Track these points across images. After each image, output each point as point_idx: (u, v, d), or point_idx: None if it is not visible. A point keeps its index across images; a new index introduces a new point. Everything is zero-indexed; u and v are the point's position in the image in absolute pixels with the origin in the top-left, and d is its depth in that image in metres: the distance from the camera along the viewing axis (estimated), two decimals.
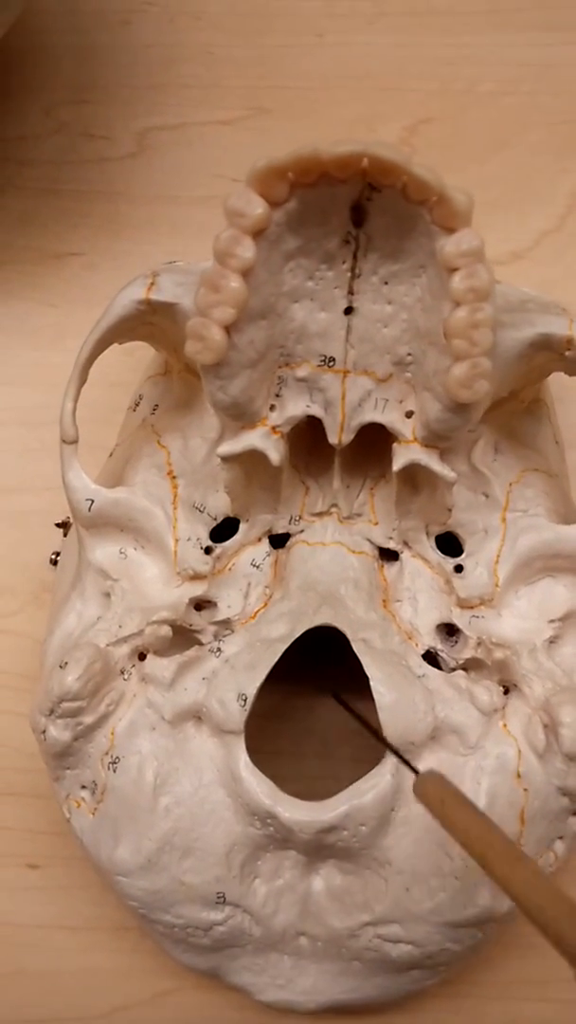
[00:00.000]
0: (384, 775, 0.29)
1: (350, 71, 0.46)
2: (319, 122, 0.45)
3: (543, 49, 0.46)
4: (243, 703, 0.29)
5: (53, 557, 0.40)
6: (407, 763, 0.29)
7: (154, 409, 0.37)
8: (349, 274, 0.28)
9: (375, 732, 0.29)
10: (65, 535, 0.38)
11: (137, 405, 0.38)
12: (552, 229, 0.44)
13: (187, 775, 0.30)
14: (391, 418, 0.30)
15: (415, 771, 0.28)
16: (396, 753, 0.29)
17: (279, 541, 0.33)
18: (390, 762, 0.29)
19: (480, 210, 0.43)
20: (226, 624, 0.32)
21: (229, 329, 0.26)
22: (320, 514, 0.33)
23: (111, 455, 0.38)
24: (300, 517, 0.33)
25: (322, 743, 0.38)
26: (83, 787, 0.32)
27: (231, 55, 0.46)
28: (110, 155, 0.46)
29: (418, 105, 0.45)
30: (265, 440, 0.30)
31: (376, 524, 0.33)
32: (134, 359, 0.40)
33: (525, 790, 0.30)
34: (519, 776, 0.30)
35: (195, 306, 0.26)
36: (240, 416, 0.29)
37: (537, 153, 0.45)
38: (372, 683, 0.29)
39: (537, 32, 0.46)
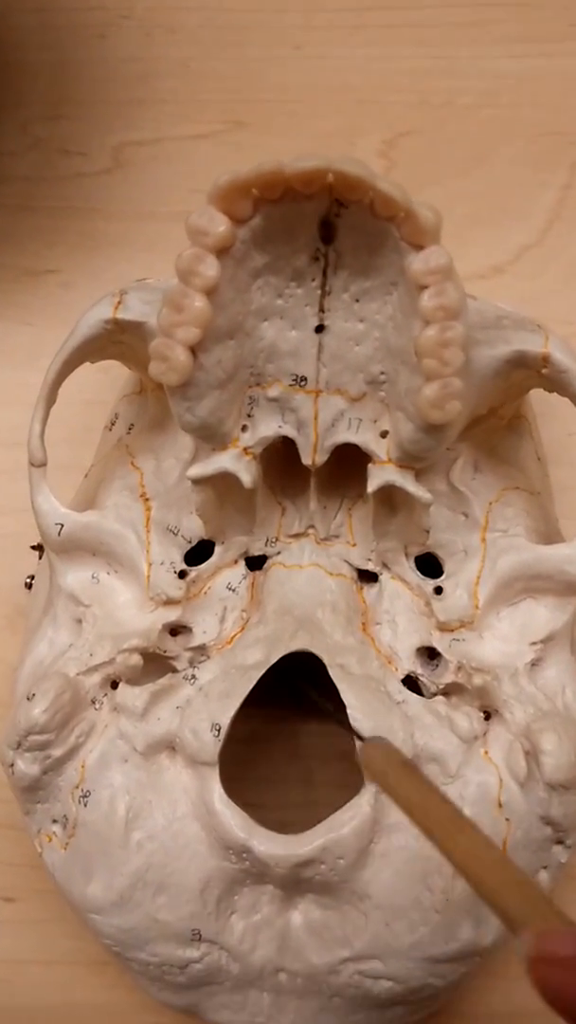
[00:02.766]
0: (362, 806, 0.28)
1: (329, 84, 0.46)
2: (298, 135, 0.45)
3: (521, 61, 0.45)
4: (217, 733, 0.29)
5: (28, 581, 0.39)
6: (352, 731, 0.28)
7: (129, 428, 0.36)
8: (319, 291, 0.27)
9: (332, 713, 0.28)
10: (40, 558, 0.37)
11: (113, 424, 0.37)
12: (533, 243, 0.44)
13: (160, 808, 0.29)
14: (365, 438, 0.29)
15: (360, 738, 0.27)
16: (346, 726, 0.28)
17: (256, 563, 0.32)
18: (368, 792, 0.28)
19: (461, 224, 0.44)
20: (201, 650, 0.31)
21: (195, 349, 0.26)
22: (297, 535, 0.32)
23: (87, 476, 0.37)
24: (277, 539, 0.32)
25: (304, 769, 0.38)
26: (54, 821, 0.31)
27: (208, 69, 0.46)
28: (86, 171, 0.45)
29: (397, 118, 0.45)
30: (236, 462, 0.29)
31: (354, 545, 0.32)
32: (110, 377, 0.40)
33: (507, 820, 0.29)
34: (500, 805, 0.29)
35: (158, 326, 0.25)
36: (210, 438, 0.29)
37: (517, 166, 0.45)
38: (349, 711, 0.29)
39: (515, 44, 0.46)
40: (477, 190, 0.44)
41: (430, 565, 0.32)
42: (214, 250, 0.24)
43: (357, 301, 0.27)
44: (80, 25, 0.46)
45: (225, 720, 0.29)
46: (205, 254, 0.24)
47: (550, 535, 0.33)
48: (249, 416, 0.29)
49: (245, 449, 0.29)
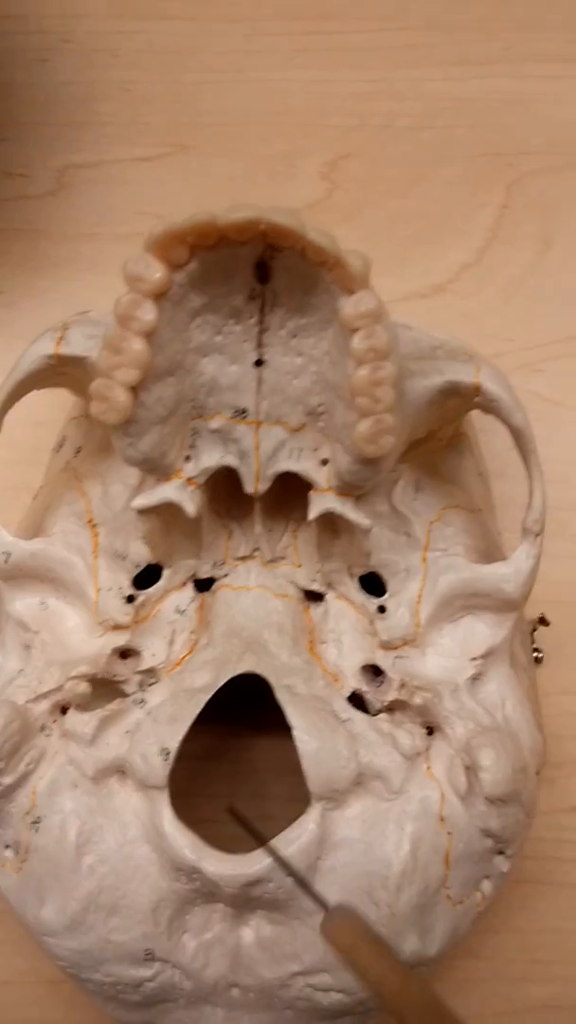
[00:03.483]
0: (308, 825, 0.29)
1: (269, 107, 0.46)
2: (238, 158, 0.45)
3: (458, 83, 0.46)
4: (166, 757, 0.29)
5: None
6: (316, 897, 0.27)
7: (77, 451, 0.36)
8: (257, 328, 0.28)
9: (274, 853, 0.28)
10: None
11: (61, 447, 0.37)
12: (472, 262, 0.44)
13: (111, 832, 0.30)
14: (306, 466, 0.30)
15: (325, 908, 0.26)
16: (301, 881, 0.27)
17: (204, 585, 0.33)
18: (315, 811, 0.29)
19: (401, 244, 0.45)
20: (151, 673, 0.32)
21: (135, 388, 0.26)
22: (244, 558, 0.33)
23: (35, 497, 0.37)
24: (224, 561, 0.33)
25: (257, 783, 0.38)
26: (6, 846, 0.31)
27: (149, 92, 0.46)
28: (29, 193, 0.45)
29: (337, 141, 0.46)
30: (180, 492, 0.30)
31: (300, 566, 0.33)
32: (60, 397, 0.39)
33: (449, 833, 0.30)
34: (442, 820, 0.30)
35: (98, 368, 0.25)
36: (153, 470, 0.29)
37: (455, 186, 0.45)
38: (294, 732, 0.29)
39: (452, 66, 0.46)
40: (417, 210, 0.45)
41: (375, 583, 0.32)
42: (151, 295, 0.24)
43: (294, 337, 0.28)
44: (21, 49, 0.46)
45: (173, 744, 0.29)
46: (142, 299, 0.24)
47: (489, 552, 0.34)
48: (192, 447, 0.30)
49: (189, 479, 0.30)
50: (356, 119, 0.46)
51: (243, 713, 0.34)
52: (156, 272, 0.24)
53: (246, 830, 0.27)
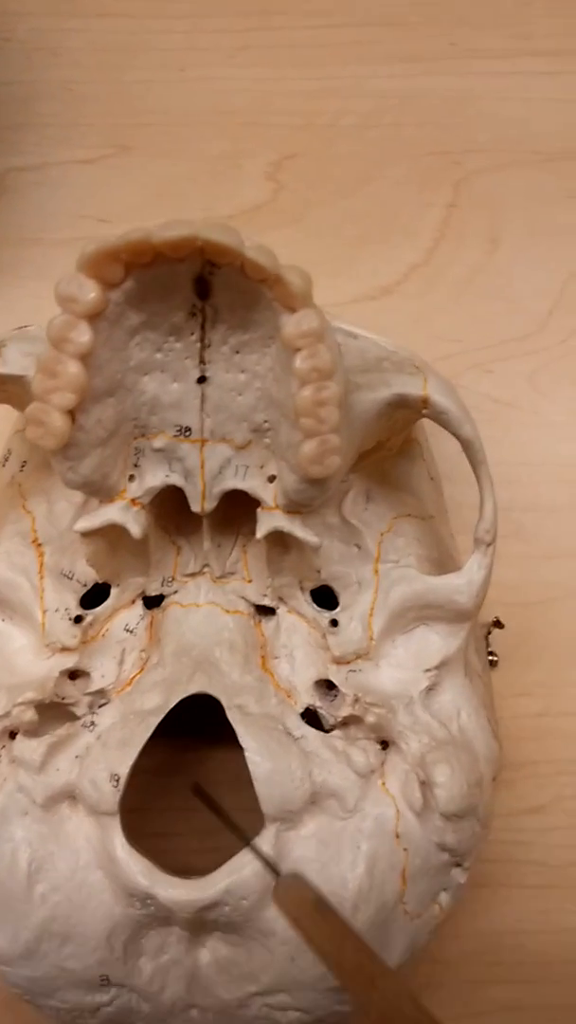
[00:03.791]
0: (262, 847, 0.29)
1: (214, 106, 0.45)
2: (183, 159, 0.44)
3: (404, 80, 0.46)
4: (116, 783, 0.29)
5: None
6: (269, 864, 0.27)
7: (23, 465, 0.35)
8: (199, 344, 0.27)
9: (239, 831, 0.28)
10: None
11: (6, 460, 0.37)
12: (420, 263, 0.44)
13: (63, 859, 0.29)
14: (252, 484, 0.29)
15: (277, 873, 0.27)
16: (259, 854, 0.28)
17: (154, 602, 0.32)
18: (270, 832, 0.29)
19: (349, 244, 0.44)
20: (101, 694, 0.31)
21: (73, 412, 0.25)
22: (193, 575, 0.32)
23: None
24: (173, 578, 0.32)
25: (214, 796, 0.38)
26: None
27: (91, 92, 0.45)
28: None
29: (283, 140, 0.45)
30: (124, 513, 0.29)
31: (250, 582, 0.32)
32: (3, 410, 0.39)
33: (405, 850, 0.30)
34: (398, 836, 0.30)
35: (33, 392, 0.25)
36: (96, 492, 0.28)
37: (402, 185, 0.45)
38: (247, 754, 0.29)
39: (397, 63, 0.46)
40: (364, 210, 0.45)
41: (327, 597, 0.32)
42: (85, 316, 0.24)
43: (237, 353, 0.27)
44: None
45: (123, 770, 0.29)
46: (77, 321, 0.24)
47: (442, 560, 0.34)
48: (136, 466, 0.29)
49: (133, 500, 0.29)
50: (301, 118, 0.45)
51: (197, 726, 0.33)
52: (90, 292, 0.23)
53: (212, 810, 0.27)
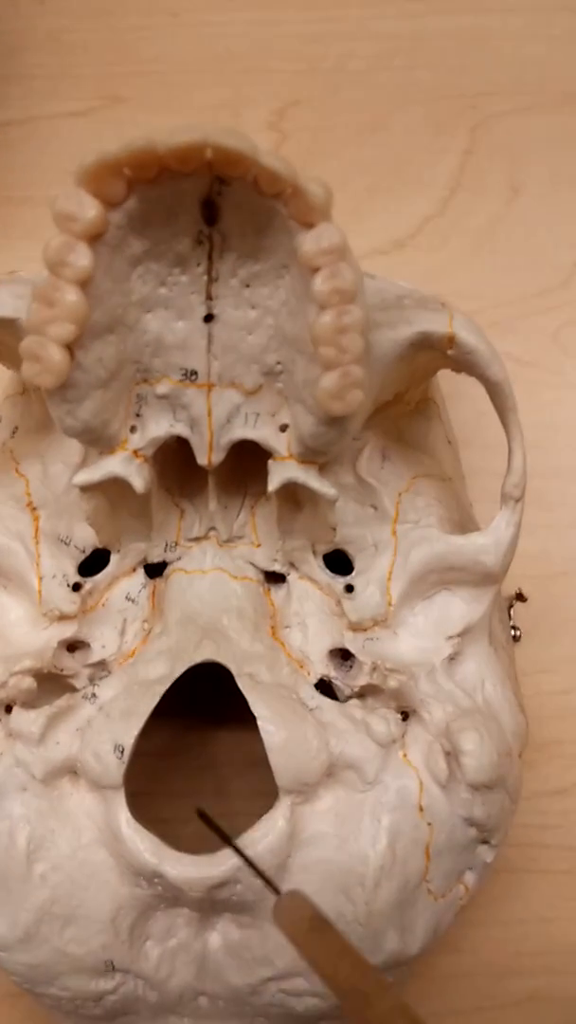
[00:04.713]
0: (276, 820, 0.27)
1: (210, 53, 0.44)
2: (180, 109, 0.43)
3: (414, 20, 0.45)
4: (120, 755, 0.27)
5: None
6: (269, 883, 0.26)
7: (14, 432, 0.35)
8: (206, 277, 0.26)
9: (243, 855, 0.27)
10: None
11: None
12: (434, 214, 0.43)
13: (64, 837, 0.28)
14: (264, 433, 0.28)
15: (277, 892, 0.26)
16: (261, 875, 0.27)
17: (156, 570, 0.31)
18: (283, 806, 0.28)
19: (358, 197, 0.43)
20: (102, 665, 0.30)
21: (71, 347, 0.24)
22: (198, 539, 0.31)
23: None
24: (176, 543, 0.31)
25: (219, 779, 0.37)
26: None
27: (80, 41, 0.44)
28: None
29: (285, 87, 0.44)
30: (127, 465, 0.28)
31: (259, 546, 0.31)
32: None
33: (429, 824, 0.29)
34: (422, 809, 0.29)
35: (28, 324, 0.23)
36: (96, 441, 0.27)
37: (414, 133, 0.44)
38: (259, 722, 0.28)
39: (407, 2, 0.45)
40: (373, 160, 0.44)
41: (340, 562, 0.31)
42: (85, 237, 0.22)
43: (247, 286, 0.26)
44: None
45: (128, 741, 0.27)
46: (75, 242, 0.22)
47: (463, 523, 0.33)
48: (138, 416, 0.28)
49: (135, 451, 0.28)
50: (304, 63, 0.44)
51: (202, 705, 0.33)
52: (90, 210, 0.21)
53: (216, 833, 0.26)
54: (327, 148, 0.43)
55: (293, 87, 0.44)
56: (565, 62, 0.44)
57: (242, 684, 0.28)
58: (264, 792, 0.28)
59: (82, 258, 0.22)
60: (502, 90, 0.44)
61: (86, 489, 0.28)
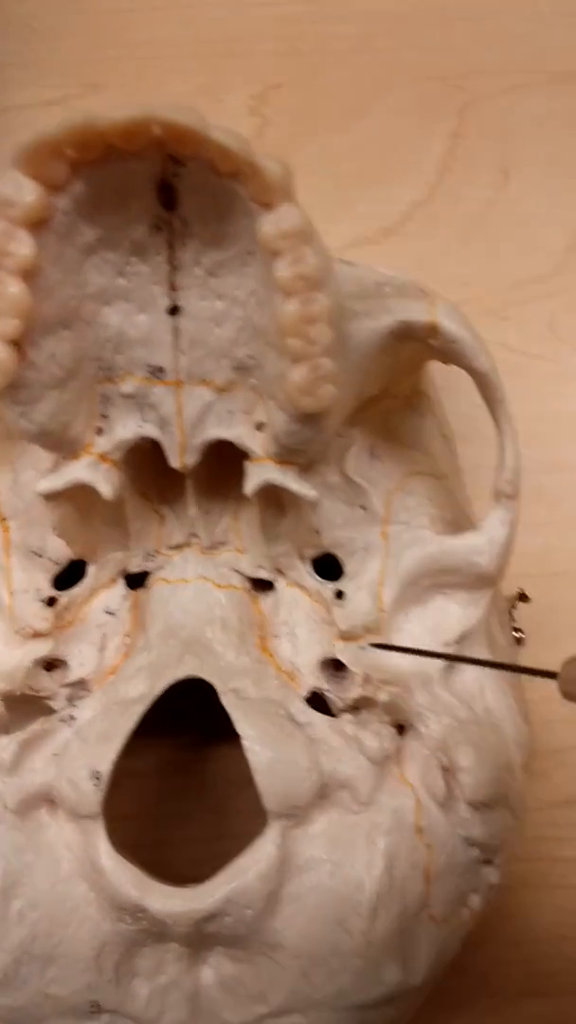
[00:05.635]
0: (266, 848, 0.26)
1: (188, 36, 0.43)
2: (159, 95, 0.40)
3: None
4: (97, 782, 0.26)
5: None
6: (535, 671, 0.26)
7: None
8: (167, 266, 0.24)
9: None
10: None
11: None
12: (423, 200, 0.42)
13: (42, 870, 0.27)
14: (238, 432, 0.27)
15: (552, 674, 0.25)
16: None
17: (136, 580, 0.30)
18: (273, 832, 0.26)
19: (343, 183, 0.42)
20: (81, 684, 0.29)
21: (20, 343, 0.22)
22: (179, 546, 0.30)
23: None
24: (157, 552, 0.30)
25: (215, 798, 0.36)
26: None
27: (54, 26, 0.43)
28: None
29: (266, 69, 0.43)
30: (92, 471, 0.26)
31: (243, 552, 0.30)
32: None
33: (428, 846, 0.27)
34: (420, 830, 0.27)
35: None
36: (56, 446, 0.26)
37: (400, 115, 0.43)
38: (244, 742, 0.26)
39: None
40: (359, 145, 0.43)
41: (330, 567, 0.30)
42: (26, 224, 0.21)
43: (212, 275, 0.24)
44: None
45: (105, 766, 0.26)
46: (15, 229, 0.20)
47: (458, 522, 0.32)
48: (104, 417, 0.26)
49: (102, 455, 0.27)
50: (286, 44, 0.43)
51: (196, 720, 0.32)
52: (29, 194, 0.20)
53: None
54: (310, 133, 0.42)
55: (274, 70, 0.43)
56: (555, 39, 0.43)
57: (226, 701, 0.27)
58: (262, 813, 0.27)
59: (24, 247, 0.21)
60: (490, 70, 0.43)
61: (51, 497, 0.27)
